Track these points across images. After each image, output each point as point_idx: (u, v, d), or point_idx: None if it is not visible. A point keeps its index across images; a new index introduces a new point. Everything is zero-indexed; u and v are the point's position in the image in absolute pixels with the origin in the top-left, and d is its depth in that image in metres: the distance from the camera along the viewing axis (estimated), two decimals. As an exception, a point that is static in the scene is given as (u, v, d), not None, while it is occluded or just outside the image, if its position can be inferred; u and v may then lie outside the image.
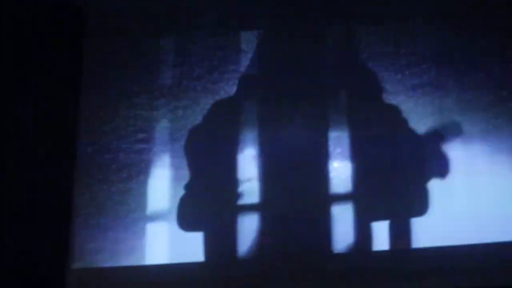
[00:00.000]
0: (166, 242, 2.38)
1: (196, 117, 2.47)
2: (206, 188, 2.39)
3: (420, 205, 2.35)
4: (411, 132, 2.43)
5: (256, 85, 2.51)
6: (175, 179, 2.42)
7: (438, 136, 2.40)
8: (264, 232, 2.33)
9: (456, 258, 2.28)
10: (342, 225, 2.35)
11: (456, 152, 2.41)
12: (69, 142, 2.46)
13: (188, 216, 2.35)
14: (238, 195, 2.37)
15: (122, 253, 2.37)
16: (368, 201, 2.36)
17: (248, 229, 2.35)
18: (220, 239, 2.34)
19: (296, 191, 2.36)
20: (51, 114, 2.46)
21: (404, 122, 2.43)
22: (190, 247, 2.34)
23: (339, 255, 2.33)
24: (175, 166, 2.44)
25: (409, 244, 2.34)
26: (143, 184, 2.44)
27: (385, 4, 2.55)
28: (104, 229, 2.38)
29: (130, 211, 2.40)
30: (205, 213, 2.36)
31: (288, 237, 2.33)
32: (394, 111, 2.43)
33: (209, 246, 2.33)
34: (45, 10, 2.59)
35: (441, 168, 2.38)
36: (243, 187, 2.37)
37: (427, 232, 2.34)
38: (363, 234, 2.35)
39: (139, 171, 2.46)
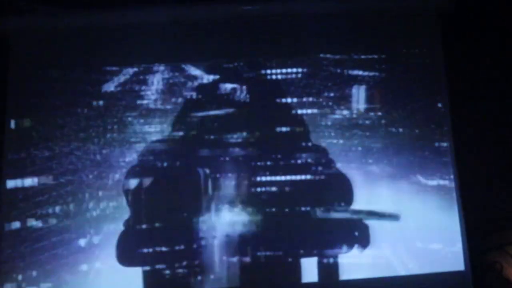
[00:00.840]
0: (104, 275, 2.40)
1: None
2: (145, 225, 2.44)
3: (349, 240, 2.45)
4: (338, 171, 2.49)
5: (193, 122, 2.53)
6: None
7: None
8: (202, 269, 2.42)
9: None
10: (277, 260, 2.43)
11: (384, 188, 2.49)
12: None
13: (127, 252, 2.41)
14: (177, 231, 2.43)
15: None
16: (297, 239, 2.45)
17: (187, 264, 2.42)
18: (158, 274, 2.40)
19: (236, 227, 2.44)
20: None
21: (332, 162, 2.50)
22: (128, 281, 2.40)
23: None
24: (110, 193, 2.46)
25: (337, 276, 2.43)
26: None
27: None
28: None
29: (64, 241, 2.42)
30: (144, 249, 2.42)
31: (226, 272, 2.41)
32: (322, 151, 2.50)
33: (148, 281, 2.40)
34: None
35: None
36: (182, 224, 2.43)
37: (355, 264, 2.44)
38: (294, 267, 2.43)
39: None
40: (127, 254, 2.40)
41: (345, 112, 2.54)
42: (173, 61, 2.57)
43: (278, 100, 2.55)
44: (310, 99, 2.55)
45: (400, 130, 2.53)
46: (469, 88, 2.57)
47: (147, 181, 2.46)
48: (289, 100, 2.55)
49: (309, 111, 2.54)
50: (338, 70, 2.57)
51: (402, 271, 2.43)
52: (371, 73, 2.57)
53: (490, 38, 2.64)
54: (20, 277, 2.39)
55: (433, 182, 2.49)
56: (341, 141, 2.52)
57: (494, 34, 2.66)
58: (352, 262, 2.44)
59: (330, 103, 2.55)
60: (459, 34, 2.62)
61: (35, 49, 2.61)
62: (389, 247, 2.45)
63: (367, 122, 2.53)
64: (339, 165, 2.50)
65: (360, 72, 2.57)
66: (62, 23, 2.61)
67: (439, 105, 2.54)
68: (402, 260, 2.44)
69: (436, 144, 2.52)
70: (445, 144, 2.51)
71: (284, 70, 2.57)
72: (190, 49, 2.58)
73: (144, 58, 2.57)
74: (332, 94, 2.55)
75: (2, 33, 2.61)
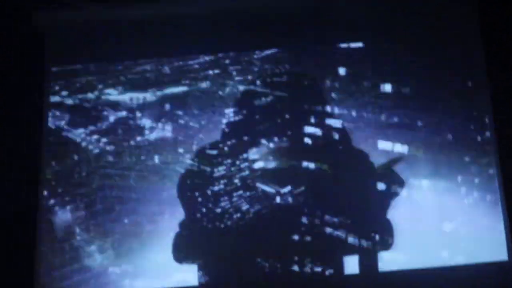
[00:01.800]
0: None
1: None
2: (199, 225, 2.46)
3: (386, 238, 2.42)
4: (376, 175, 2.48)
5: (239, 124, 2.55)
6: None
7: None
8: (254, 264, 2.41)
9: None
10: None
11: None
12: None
13: (183, 250, 2.44)
14: (229, 230, 2.44)
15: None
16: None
17: (240, 260, 2.43)
18: (213, 269, 2.43)
19: (279, 225, 2.43)
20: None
21: (371, 165, 2.49)
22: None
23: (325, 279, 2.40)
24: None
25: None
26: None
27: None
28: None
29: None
30: (199, 247, 2.46)
31: (278, 268, 2.39)
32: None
33: (204, 274, 2.42)
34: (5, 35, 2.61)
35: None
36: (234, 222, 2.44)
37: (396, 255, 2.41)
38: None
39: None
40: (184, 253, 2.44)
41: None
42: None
43: None
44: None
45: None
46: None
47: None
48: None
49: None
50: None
51: (443, 262, 2.39)
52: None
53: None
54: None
55: (476, 171, 2.47)
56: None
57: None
58: (393, 253, 2.41)
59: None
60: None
61: (70, 43, 2.65)
62: (430, 237, 2.41)
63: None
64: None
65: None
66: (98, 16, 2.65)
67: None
68: (443, 250, 2.40)
69: (478, 136, 2.51)
70: (487, 134, 2.50)
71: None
72: None
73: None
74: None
75: (37, 28, 2.63)
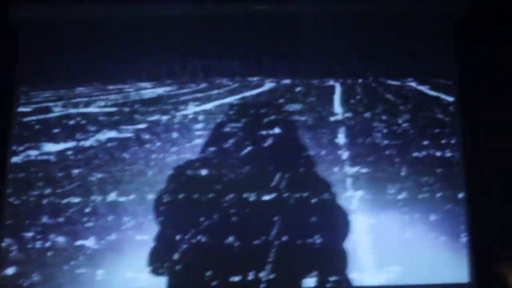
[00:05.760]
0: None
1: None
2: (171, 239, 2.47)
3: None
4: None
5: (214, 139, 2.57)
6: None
7: None
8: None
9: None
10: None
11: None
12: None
13: (157, 262, 2.44)
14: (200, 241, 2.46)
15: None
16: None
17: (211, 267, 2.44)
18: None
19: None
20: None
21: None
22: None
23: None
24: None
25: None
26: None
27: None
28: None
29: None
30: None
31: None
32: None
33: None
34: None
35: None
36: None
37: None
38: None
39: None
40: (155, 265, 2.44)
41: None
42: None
43: None
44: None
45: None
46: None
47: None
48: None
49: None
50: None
51: (406, 281, 2.40)
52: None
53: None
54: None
55: (442, 193, 2.47)
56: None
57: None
58: (357, 269, 2.42)
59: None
60: (473, 38, 2.58)
61: (45, 38, 2.63)
62: (393, 256, 2.43)
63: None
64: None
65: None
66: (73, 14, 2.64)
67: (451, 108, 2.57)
68: (406, 270, 2.41)
69: (447, 155, 2.51)
70: (456, 155, 2.50)
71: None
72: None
73: (157, 52, 2.61)
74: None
75: (13, 23, 2.62)
